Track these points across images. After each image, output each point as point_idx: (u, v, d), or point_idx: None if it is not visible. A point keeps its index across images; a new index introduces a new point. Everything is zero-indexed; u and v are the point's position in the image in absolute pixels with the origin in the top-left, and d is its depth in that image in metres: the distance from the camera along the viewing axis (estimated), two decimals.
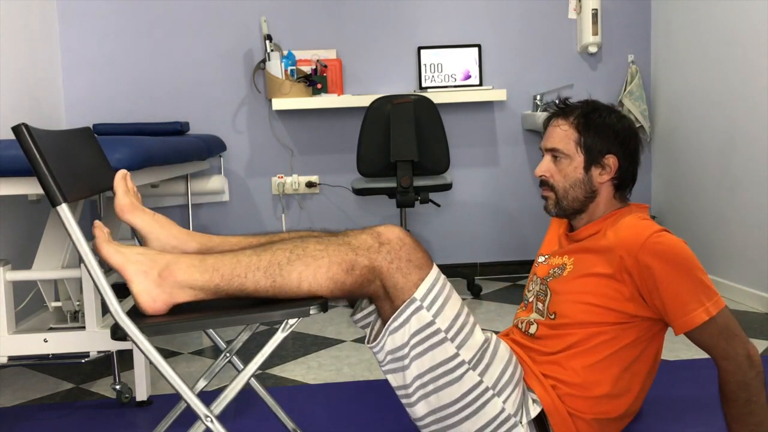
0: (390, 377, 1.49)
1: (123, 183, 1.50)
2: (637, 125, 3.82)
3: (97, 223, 1.40)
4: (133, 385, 2.25)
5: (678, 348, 2.57)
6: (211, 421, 1.31)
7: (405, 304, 1.40)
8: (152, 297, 1.34)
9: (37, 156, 1.29)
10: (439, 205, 3.54)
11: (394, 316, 1.41)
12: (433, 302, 1.41)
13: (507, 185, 3.91)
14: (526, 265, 3.95)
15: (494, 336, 1.52)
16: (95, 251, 1.36)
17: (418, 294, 1.40)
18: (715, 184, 3.35)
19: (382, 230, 1.40)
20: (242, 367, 1.67)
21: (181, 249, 1.51)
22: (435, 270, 1.44)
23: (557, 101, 1.70)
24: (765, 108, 2.96)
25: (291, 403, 2.17)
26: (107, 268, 1.40)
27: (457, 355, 1.42)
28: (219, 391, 2.28)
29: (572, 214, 1.67)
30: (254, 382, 1.68)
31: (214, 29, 3.73)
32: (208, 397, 1.37)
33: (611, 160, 1.62)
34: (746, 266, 3.15)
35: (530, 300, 1.69)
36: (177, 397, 1.91)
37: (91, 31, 3.67)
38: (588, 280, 1.55)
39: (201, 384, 1.67)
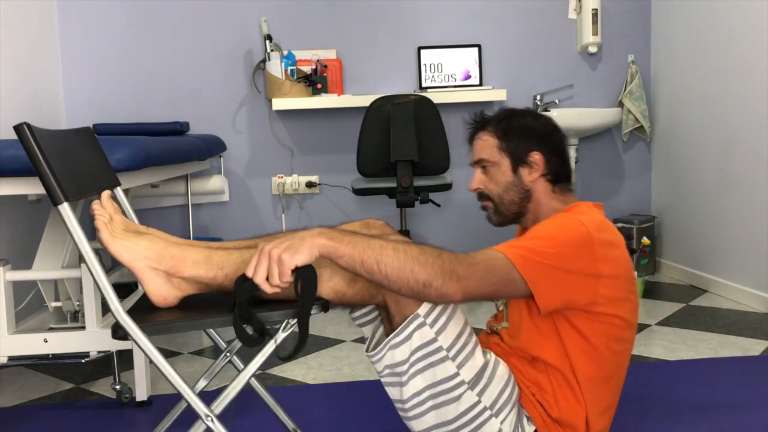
0: (387, 389, 1.48)
1: (110, 203, 1.49)
2: (637, 125, 3.83)
3: (97, 210, 1.39)
4: (133, 385, 2.25)
5: (678, 348, 2.57)
6: (212, 420, 1.31)
7: (408, 320, 1.39)
8: (163, 295, 1.37)
9: (39, 155, 1.29)
10: (439, 205, 3.53)
11: (396, 331, 1.40)
12: (437, 319, 1.40)
13: None
14: None
15: (493, 356, 1.51)
16: (101, 243, 1.36)
17: (422, 310, 1.39)
18: (715, 184, 3.35)
19: None
20: (242, 366, 1.67)
21: None
22: None
23: (473, 118, 1.72)
24: (765, 108, 2.96)
25: (291, 403, 2.17)
26: (108, 268, 1.40)
27: (457, 374, 1.41)
28: (219, 391, 2.28)
29: (514, 218, 1.67)
30: (254, 382, 1.68)
31: (214, 29, 3.73)
32: (208, 396, 1.37)
33: (536, 157, 1.61)
34: (746, 266, 3.15)
35: (500, 309, 1.70)
36: (177, 397, 1.90)
37: (91, 31, 3.68)
38: None
39: (201, 384, 1.67)
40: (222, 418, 1.33)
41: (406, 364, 1.41)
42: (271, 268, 1.26)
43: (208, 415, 1.31)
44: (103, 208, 1.41)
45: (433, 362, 1.40)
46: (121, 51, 3.70)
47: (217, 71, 3.75)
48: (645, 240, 3.48)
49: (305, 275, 1.27)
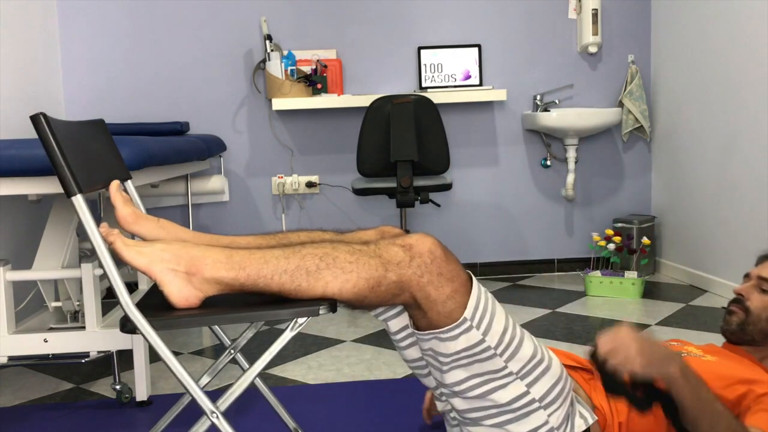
0: (432, 371, 1.47)
1: (119, 194, 1.46)
2: (637, 125, 3.83)
3: (104, 229, 1.37)
4: (133, 385, 2.24)
5: None
6: (217, 417, 1.30)
7: (455, 324, 1.37)
8: (184, 296, 1.33)
9: (55, 146, 1.29)
10: (439, 205, 3.53)
11: (442, 330, 1.38)
12: (482, 320, 1.38)
13: (507, 185, 3.91)
14: (526, 265, 3.95)
15: (548, 351, 1.49)
16: (116, 253, 1.34)
17: (468, 313, 1.37)
18: (715, 185, 3.35)
19: (414, 242, 1.37)
20: (247, 365, 1.67)
21: None
22: (476, 283, 1.41)
23: None
24: (765, 108, 2.96)
25: (291, 403, 2.16)
26: (118, 262, 1.38)
27: (505, 367, 1.40)
28: (220, 391, 2.28)
29: (747, 341, 1.66)
30: (258, 381, 1.67)
31: (214, 29, 3.73)
32: (209, 396, 1.36)
33: None
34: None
35: None
36: (177, 397, 1.89)
37: (91, 30, 3.67)
38: (722, 379, 1.54)
39: (204, 380, 1.66)
40: (224, 415, 1.32)
41: (449, 357, 1.40)
42: (621, 363, 1.33)
43: (214, 412, 1.30)
44: (108, 228, 1.38)
45: (481, 359, 1.39)
46: (121, 51, 3.70)
47: (217, 71, 3.74)
48: (645, 240, 3.49)
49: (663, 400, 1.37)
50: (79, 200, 1.29)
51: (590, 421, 1.49)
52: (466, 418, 1.47)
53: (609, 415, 1.52)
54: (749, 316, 1.64)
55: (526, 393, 1.42)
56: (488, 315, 1.39)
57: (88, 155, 1.46)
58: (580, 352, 2.56)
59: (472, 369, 1.40)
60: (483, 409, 1.43)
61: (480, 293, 1.40)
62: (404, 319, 1.53)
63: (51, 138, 1.29)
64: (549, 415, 1.43)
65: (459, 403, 1.45)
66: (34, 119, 1.29)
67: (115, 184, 1.47)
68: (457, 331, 1.37)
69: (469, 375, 1.41)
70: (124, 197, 1.46)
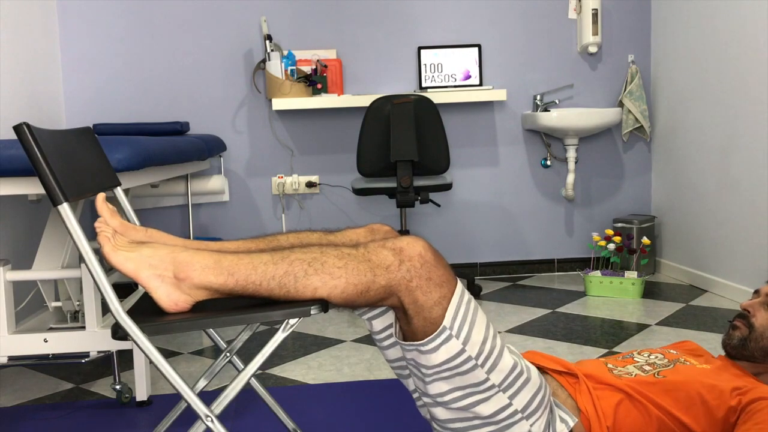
0: (413, 380, 1.47)
1: (106, 206, 1.46)
2: (637, 125, 3.83)
3: (99, 226, 1.38)
4: (133, 385, 2.25)
5: None
6: (212, 420, 1.31)
7: (435, 334, 1.36)
8: (173, 300, 1.33)
9: (39, 155, 1.29)
10: (439, 205, 3.54)
11: (423, 342, 1.38)
12: (461, 328, 1.37)
13: (507, 185, 3.91)
14: (526, 265, 3.95)
15: (524, 360, 1.49)
16: (104, 258, 1.34)
17: (447, 321, 1.36)
18: (715, 184, 3.35)
19: (404, 246, 1.37)
20: (242, 366, 1.67)
21: None
22: (459, 290, 1.40)
23: None
24: (765, 108, 2.96)
25: (291, 403, 2.17)
26: (108, 268, 1.39)
27: (487, 379, 1.40)
28: (219, 391, 2.28)
29: (747, 357, 1.65)
30: (254, 382, 1.68)
31: (214, 29, 3.73)
32: (208, 396, 1.36)
33: None
34: (746, 266, 3.15)
35: (634, 358, 1.69)
36: (177, 397, 1.90)
37: (91, 31, 3.68)
38: (717, 387, 1.54)
39: (201, 384, 1.67)
40: (222, 418, 1.33)
41: (431, 370, 1.39)
42: None
43: (208, 416, 1.31)
44: (105, 224, 1.38)
45: (462, 371, 1.38)
46: (121, 51, 3.70)
47: (217, 71, 3.75)
48: (645, 240, 3.48)
49: None
50: (65, 208, 1.30)
51: (571, 424, 1.49)
52: (448, 429, 1.47)
53: (595, 419, 1.51)
54: (752, 333, 1.63)
55: (509, 405, 1.42)
56: (468, 323, 1.38)
57: (75, 163, 1.46)
58: (580, 352, 2.57)
59: (454, 382, 1.40)
60: (466, 420, 1.43)
61: (461, 301, 1.39)
62: (388, 318, 1.53)
63: (34, 147, 1.29)
64: (531, 425, 1.44)
65: (441, 413, 1.45)
66: (17, 129, 1.29)
67: (100, 198, 1.46)
68: (437, 342, 1.36)
69: (451, 387, 1.40)
70: (111, 210, 1.46)
